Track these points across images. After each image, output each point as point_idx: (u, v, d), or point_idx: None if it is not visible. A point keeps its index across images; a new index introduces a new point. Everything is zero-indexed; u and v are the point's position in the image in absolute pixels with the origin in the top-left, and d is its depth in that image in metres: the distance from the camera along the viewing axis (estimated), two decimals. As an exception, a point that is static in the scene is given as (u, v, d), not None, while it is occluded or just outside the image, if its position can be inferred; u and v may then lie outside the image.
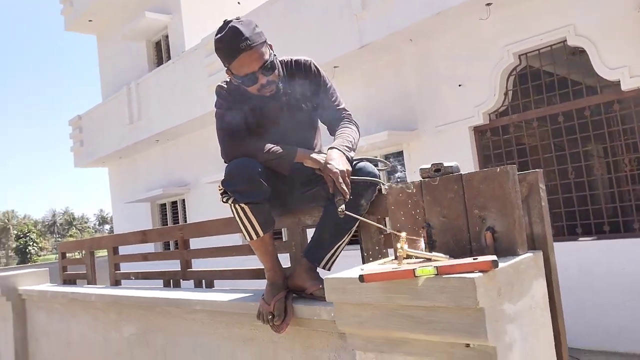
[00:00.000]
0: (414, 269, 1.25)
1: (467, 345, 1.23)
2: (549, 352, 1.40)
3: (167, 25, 10.11)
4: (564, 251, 4.89)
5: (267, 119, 1.98)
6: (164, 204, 10.63)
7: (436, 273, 1.23)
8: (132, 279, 3.41)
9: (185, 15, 9.74)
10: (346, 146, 1.86)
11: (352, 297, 1.40)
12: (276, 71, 1.85)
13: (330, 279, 1.43)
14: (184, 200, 9.99)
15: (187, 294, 2.47)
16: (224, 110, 1.93)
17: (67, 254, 4.58)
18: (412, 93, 6.23)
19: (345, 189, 1.69)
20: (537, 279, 1.39)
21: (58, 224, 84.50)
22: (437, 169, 1.58)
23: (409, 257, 1.44)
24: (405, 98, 6.29)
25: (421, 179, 1.60)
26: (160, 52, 10.64)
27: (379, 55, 6.37)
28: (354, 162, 1.89)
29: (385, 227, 1.84)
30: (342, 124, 2.00)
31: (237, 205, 1.80)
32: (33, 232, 45.05)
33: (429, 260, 1.42)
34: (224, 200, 1.82)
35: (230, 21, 1.79)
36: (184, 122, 8.74)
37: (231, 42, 1.74)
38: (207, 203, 9.39)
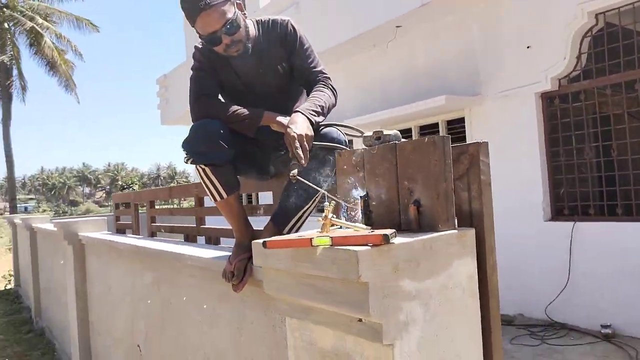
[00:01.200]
0: (311, 238, 1.21)
1: (360, 320, 1.19)
2: (471, 335, 1.31)
3: (244, -14, 10.23)
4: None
5: (242, 81, 1.97)
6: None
7: (331, 244, 1.19)
8: (161, 232, 3.63)
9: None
10: (313, 110, 1.79)
11: (272, 263, 1.39)
12: (242, 30, 1.82)
13: (255, 244, 1.43)
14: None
15: (184, 248, 2.58)
16: (196, 72, 1.95)
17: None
18: (476, 56, 5.85)
19: (301, 153, 1.64)
20: (461, 258, 1.29)
21: (162, 177, 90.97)
22: (378, 137, 1.50)
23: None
24: (468, 61, 5.93)
25: (364, 146, 1.52)
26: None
27: (443, 15, 6.02)
28: (321, 127, 1.83)
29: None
30: (317, 86, 1.93)
31: (199, 167, 1.83)
32: (136, 184, 49.03)
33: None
34: (185, 161, 1.86)
35: None
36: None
37: (188, 3, 1.74)
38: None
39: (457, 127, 6.26)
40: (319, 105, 1.82)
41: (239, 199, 1.95)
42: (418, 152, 1.33)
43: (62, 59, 20.47)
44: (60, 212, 76.36)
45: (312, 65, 1.97)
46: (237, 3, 1.85)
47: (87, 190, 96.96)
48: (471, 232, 1.33)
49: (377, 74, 7.18)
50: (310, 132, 1.71)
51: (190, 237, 3.17)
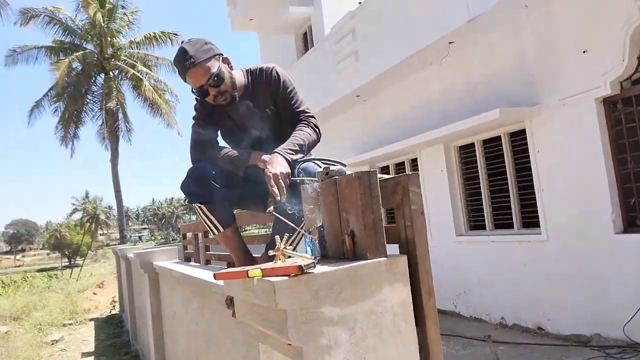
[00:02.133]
0: (247, 270, 1.37)
1: (289, 344, 1.32)
2: (407, 359, 1.38)
3: (310, 17, 10.67)
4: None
5: (237, 125, 2.19)
6: (314, 187, 11.35)
7: (262, 275, 1.33)
8: (213, 259, 3.93)
9: (324, 5, 10.15)
10: (290, 149, 1.96)
11: (233, 292, 1.57)
12: (227, 82, 2.04)
13: (219, 274, 1.61)
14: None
15: (209, 275, 2.82)
16: (195, 121, 2.20)
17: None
18: (532, 64, 5.67)
19: (276, 191, 1.81)
20: (392, 285, 1.38)
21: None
22: (327, 172, 1.63)
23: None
24: (524, 71, 5.76)
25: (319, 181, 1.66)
26: (307, 43, 11.27)
27: (494, 27, 5.92)
28: (300, 163, 1.99)
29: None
30: (298, 126, 2.09)
31: (196, 205, 2.06)
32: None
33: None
34: (184, 201, 2.09)
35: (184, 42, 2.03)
36: (317, 110, 9.21)
37: (179, 61, 1.99)
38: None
39: (518, 140, 6.06)
40: (297, 144, 1.99)
41: (236, 232, 2.15)
42: (349, 187, 1.44)
43: (162, 99, 22.37)
44: (170, 239, 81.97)
45: (294, 106, 2.14)
46: (223, 58, 2.07)
47: (192, 218, 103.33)
48: (403, 259, 1.41)
49: (435, 92, 7.16)
50: (286, 170, 1.87)
51: (230, 264, 3.42)
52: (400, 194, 1.46)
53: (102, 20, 19.71)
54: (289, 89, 2.15)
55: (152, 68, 22.45)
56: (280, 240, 1.57)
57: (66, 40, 20.19)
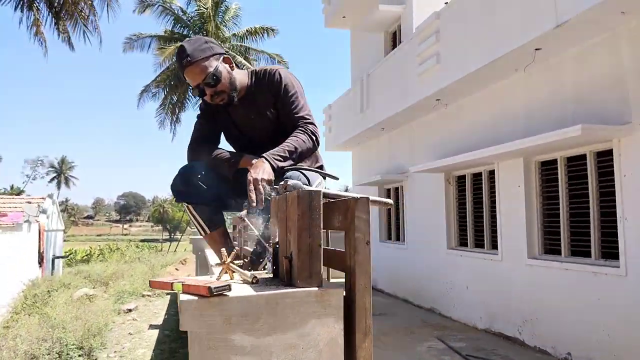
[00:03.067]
0: (172, 283, 1.31)
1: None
2: (328, 401, 1.24)
3: (400, 16, 10.41)
4: None
5: (238, 127, 2.14)
6: (389, 189, 11.13)
7: (182, 290, 1.26)
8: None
9: (415, 4, 9.84)
10: (278, 155, 1.87)
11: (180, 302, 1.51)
12: (224, 82, 1.98)
13: (153, 281, 1.55)
14: (402, 187, 10.28)
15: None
16: (197, 119, 2.17)
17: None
18: (627, 79, 5.05)
19: (253, 196, 1.73)
20: (320, 319, 1.24)
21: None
22: (284, 187, 1.51)
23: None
24: (617, 85, 5.15)
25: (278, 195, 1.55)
26: (395, 43, 11.02)
27: (584, 35, 5.35)
28: (286, 171, 1.89)
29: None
30: (295, 132, 1.99)
31: (184, 205, 2.04)
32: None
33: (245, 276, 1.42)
34: (172, 199, 2.07)
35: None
36: (398, 111, 8.96)
37: (177, 59, 1.97)
38: (418, 192, 9.48)
39: (605, 161, 5.46)
40: (287, 151, 1.89)
41: (222, 235, 2.10)
42: (292, 205, 1.32)
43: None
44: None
45: (294, 111, 2.04)
46: (224, 57, 2.02)
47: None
48: (337, 292, 1.27)
49: (518, 101, 6.66)
50: (268, 177, 1.78)
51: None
52: (349, 219, 1.31)
53: (210, 13, 20.72)
54: (290, 93, 2.05)
55: (252, 61, 23.23)
56: (227, 253, 1.50)
57: (176, 30, 21.46)
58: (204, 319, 1.16)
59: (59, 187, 73.99)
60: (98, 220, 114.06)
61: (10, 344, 5.89)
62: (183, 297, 1.18)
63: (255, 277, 1.40)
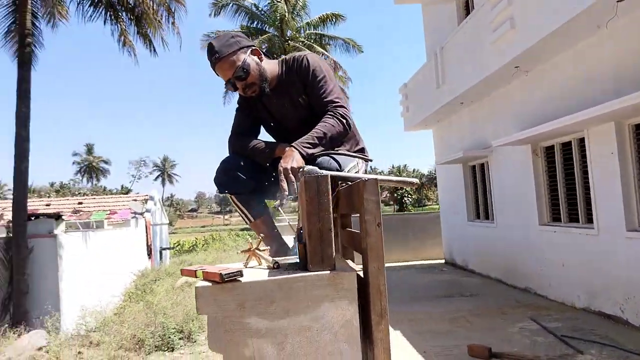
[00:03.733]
0: (196, 270, 1.38)
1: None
2: (347, 383, 1.25)
3: (474, -17, 9.90)
4: None
5: (273, 116, 2.18)
6: (474, 166, 10.70)
7: (202, 277, 1.33)
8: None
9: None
10: (308, 143, 1.88)
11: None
12: (253, 74, 2.02)
13: (184, 270, 1.63)
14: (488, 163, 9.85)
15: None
16: (235, 112, 2.23)
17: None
18: None
19: (284, 186, 1.76)
20: (333, 302, 1.25)
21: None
22: (302, 173, 1.52)
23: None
24: None
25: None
26: (468, 12, 10.51)
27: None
28: (318, 157, 1.89)
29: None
30: (324, 117, 1.99)
31: (229, 196, 2.11)
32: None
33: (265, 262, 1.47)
34: (216, 192, 2.16)
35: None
36: (475, 83, 8.56)
37: (208, 57, 2.03)
38: (504, 167, 9.02)
39: None
40: (316, 137, 1.89)
41: (266, 221, 2.15)
42: (304, 191, 1.33)
43: (336, 76, 23.21)
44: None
45: (323, 95, 2.03)
46: (252, 50, 2.06)
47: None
48: (350, 275, 1.26)
49: (605, 61, 6.09)
50: (298, 165, 1.80)
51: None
52: (360, 202, 1.30)
53: (283, 5, 21.03)
54: (318, 78, 2.05)
55: (327, 47, 23.30)
56: (253, 241, 1.54)
57: (252, 25, 22.05)
58: (218, 304, 1.22)
59: (163, 185, 79.55)
60: (201, 212, 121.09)
61: (118, 328, 6.48)
62: (199, 283, 1.24)
63: (277, 262, 1.44)
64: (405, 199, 48.33)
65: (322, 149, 1.91)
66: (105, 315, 8.29)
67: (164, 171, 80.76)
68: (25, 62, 11.55)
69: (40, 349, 5.92)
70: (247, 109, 2.21)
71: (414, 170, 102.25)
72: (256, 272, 1.36)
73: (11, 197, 11.86)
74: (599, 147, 6.39)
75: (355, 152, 2.23)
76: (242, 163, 2.05)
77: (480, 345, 5.12)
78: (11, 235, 10.87)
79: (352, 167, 1.98)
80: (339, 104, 2.03)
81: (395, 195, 52.26)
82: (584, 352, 5.00)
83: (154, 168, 78.39)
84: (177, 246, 28.14)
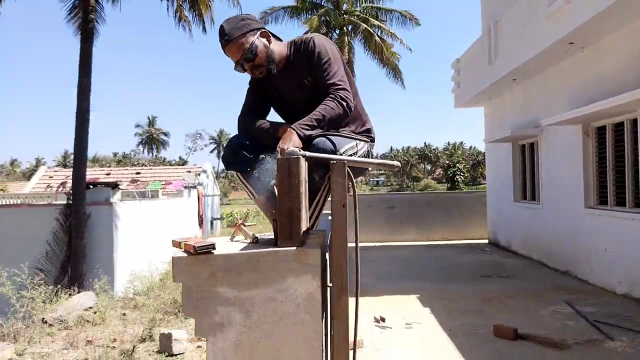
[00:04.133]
0: (180, 242, 1.50)
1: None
2: (307, 351, 1.34)
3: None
4: None
5: (281, 96, 2.26)
6: (524, 145, 10.38)
7: (183, 249, 1.45)
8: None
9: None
10: (306, 124, 1.95)
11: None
12: (261, 56, 2.10)
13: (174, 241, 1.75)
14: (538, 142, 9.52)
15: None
16: (247, 91, 2.32)
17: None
18: None
19: None
20: (298, 276, 1.34)
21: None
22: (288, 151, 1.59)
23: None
24: None
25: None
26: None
27: None
28: (315, 137, 1.96)
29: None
30: (325, 99, 2.04)
31: (236, 173, 2.23)
32: (461, 163, 50.26)
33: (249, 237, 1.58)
34: (224, 169, 2.27)
35: None
36: (528, 59, 8.24)
37: (219, 39, 2.12)
38: (554, 147, 8.71)
39: None
40: (315, 119, 1.96)
41: (269, 198, 2.24)
42: (279, 169, 1.42)
43: (389, 52, 22.89)
44: (404, 186, 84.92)
45: (326, 77, 2.09)
46: (261, 32, 2.13)
47: (428, 167, 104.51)
48: (315, 252, 1.35)
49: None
50: (295, 145, 1.88)
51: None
52: (328, 184, 1.37)
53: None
54: (323, 60, 2.10)
55: (382, 21, 22.93)
56: (235, 218, 1.65)
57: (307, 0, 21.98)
58: (192, 274, 1.34)
59: (218, 157, 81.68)
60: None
61: (160, 293, 6.88)
62: (175, 254, 1.37)
63: (256, 237, 1.54)
64: (458, 177, 47.40)
65: (321, 130, 1.98)
66: (152, 280, 8.77)
67: (220, 144, 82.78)
68: (87, 37, 12.11)
69: (88, 309, 6.39)
70: (257, 89, 2.30)
71: (470, 147, 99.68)
72: (231, 246, 1.47)
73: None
74: (651, 128, 6.06)
75: (360, 132, 2.28)
76: (248, 142, 2.14)
77: (505, 326, 5.10)
78: (71, 202, 11.58)
79: (350, 148, 2.04)
80: (340, 86, 2.08)
81: (448, 173, 51.39)
82: (614, 338, 4.88)
83: (210, 141, 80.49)
84: (228, 217, 29.11)
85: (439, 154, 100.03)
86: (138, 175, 23.59)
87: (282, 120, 2.33)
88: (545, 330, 5.19)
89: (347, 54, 22.51)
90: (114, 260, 11.75)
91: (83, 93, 11.89)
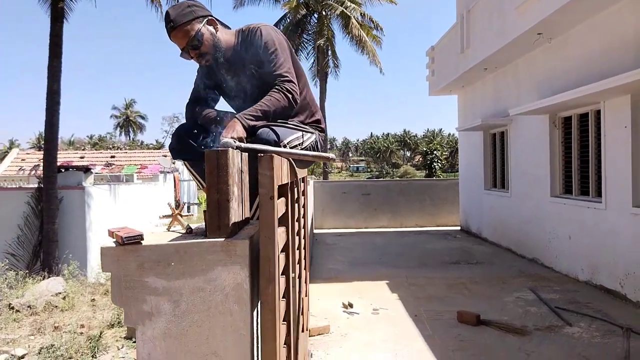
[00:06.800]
0: (113, 232, 1.51)
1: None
2: (236, 340, 1.37)
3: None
4: None
5: (228, 84, 2.25)
6: (495, 134, 10.52)
7: (114, 238, 1.46)
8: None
9: None
10: (250, 115, 1.96)
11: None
12: (207, 44, 2.09)
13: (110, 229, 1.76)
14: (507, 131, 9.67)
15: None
16: (195, 79, 2.32)
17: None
18: None
19: None
20: (226, 266, 1.36)
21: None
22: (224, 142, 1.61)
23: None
24: None
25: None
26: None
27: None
28: (259, 128, 1.97)
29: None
30: (271, 90, 2.05)
31: (184, 161, 2.23)
32: (438, 150, 50.77)
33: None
34: (171, 158, 2.28)
35: None
36: (498, 48, 8.33)
37: (165, 25, 2.11)
38: (522, 137, 8.86)
39: None
40: (259, 110, 1.98)
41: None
42: (209, 160, 1.43)
43: (370, 35, 22.91)
44: (384, 172, 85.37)
45: (273, 68, 2.09)
46: (208, 19, 2.12)
47: (407, 154, 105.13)
48: (243, 243, 1.37)
49: (626, 31, 5.84)
50: (238, 135, 1.90)
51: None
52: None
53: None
54: (269, 50, 2.11)
55: (358, 3, 22.89)
56: (174, 206, 1.66)
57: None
58: (120, 264, 1.35)
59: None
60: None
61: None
62: (104, 243, 1.38)
63: (190, 227, 1.56)
64: (435, 164, 47.85)
65: (265, 121, 1.99)
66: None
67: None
68: (58, 17, 11.80)
69: (57, 294, 6.34)
70: (206, 77, 2.30)
71: (449, 134, 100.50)
72: (160, 236, 1.48)
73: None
74: (613, 120, 6.21)
75: (309, 123, 2.30)
76: (195, 131, 2.15)
77: (469, 312, 5.22)
78: (42, 186, 11.40)
79: (295, 139, 2.06)
80: (287, 78, 2.10)
81: (426, 160, 51.85)
82: (573, 324, 5.04)
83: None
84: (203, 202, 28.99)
85: (417, 141, 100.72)
86: (113, 159, 23.28)
87: (231, 109, 2.34)
88: (507, 316, 5.33)
89: (325, 38, 22.42)
90: (86, 246, 11.64)
91: (53, 74, 11.63)
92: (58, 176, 11.57)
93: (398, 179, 43.40)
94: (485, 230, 10.79)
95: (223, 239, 1.37)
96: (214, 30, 2.13)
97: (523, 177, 8.86)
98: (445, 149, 70.77)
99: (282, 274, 1.93)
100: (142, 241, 1.36)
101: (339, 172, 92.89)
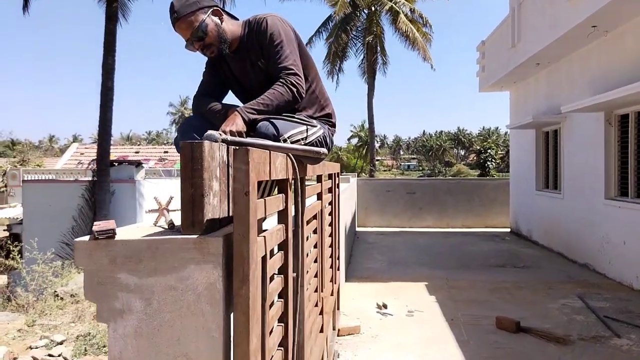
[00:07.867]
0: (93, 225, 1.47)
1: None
2: (208, 341, 1.30)
3: None
4: None
5: (235, 77, 2.19)
6: (547, 132, 10.02)
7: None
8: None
9: None
10: (252, 108, 1.89)
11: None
12: (212, 35, 2.03)
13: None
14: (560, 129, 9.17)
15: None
16: (203, 72, 2.26)
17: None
18: None
19: None
20: (199, 265, 1.30)
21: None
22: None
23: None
24: None
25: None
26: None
27: None
28: (259, 121, 1.90)
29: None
30: (274, 84, 1.97)
31: None
32: (493, 149, 49.04)
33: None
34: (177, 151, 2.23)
35: None
36: (549, 42, 7.90)
37: (170, 16, 2.07)
38: (576, 135, 8.37)
39: None
40: (262, 103, 1.90)
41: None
42: (184, 152, 1.36)
43: (420, 32, 22.44)
44: (436, 171, 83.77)
45: (278, 61, 2.01)
46: (213, 10, 2.06)
47: (461, 152, 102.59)
48: (216, 241, 1.30)
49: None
50: (237, 129, 1.84)
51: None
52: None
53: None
54: (275, 42, 2.03)
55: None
56: (159, 203, 1.62)
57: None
58: (92, 259, 1.31)
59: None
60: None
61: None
62: (78, 238, 1.34)
63: (172, 223, 1.51)
64: (489, 163, 46.34)
65: (267, 115, 1.91)
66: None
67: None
68: (111, 16, 12.23)
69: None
70: (213, 70, 2.24)
71: (505, 133, 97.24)
72: (133, 232, 1.44)
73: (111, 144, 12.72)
74: (675, 117, 5.74)
75: (318, 117, 2.21)
76: (199, 125, 2.10)
77: (508, 318, 4.97)
78: (96, 179, 11.87)
79: (297, 133, 1.97)
80: (292, 71, 2.01)
81: (480, 158, 50.33)
82: (622, 335, 4.70)
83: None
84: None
85: (472, 139, 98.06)
86: (166, 154, 23.99)
87: (240, 103, 2.28)
88: (550, 324, 5.04)
89: (374, 34, 22.18)
90: (135, 238, 12.00)
91: (107, 72, 12.05)
92: (111, 170, 12.01)
93: (442, 177, 42.37)
94: (536, 233, 10.31)
95: (196, 236, 1.30)
96: (219, 21, 2.07)
97: (576, 178, 8.38)
98: (500, 148, 68.55)
99: (279, 273, 1.86)
100: (115, 236, 1.32)
101: (389, 170, 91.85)
